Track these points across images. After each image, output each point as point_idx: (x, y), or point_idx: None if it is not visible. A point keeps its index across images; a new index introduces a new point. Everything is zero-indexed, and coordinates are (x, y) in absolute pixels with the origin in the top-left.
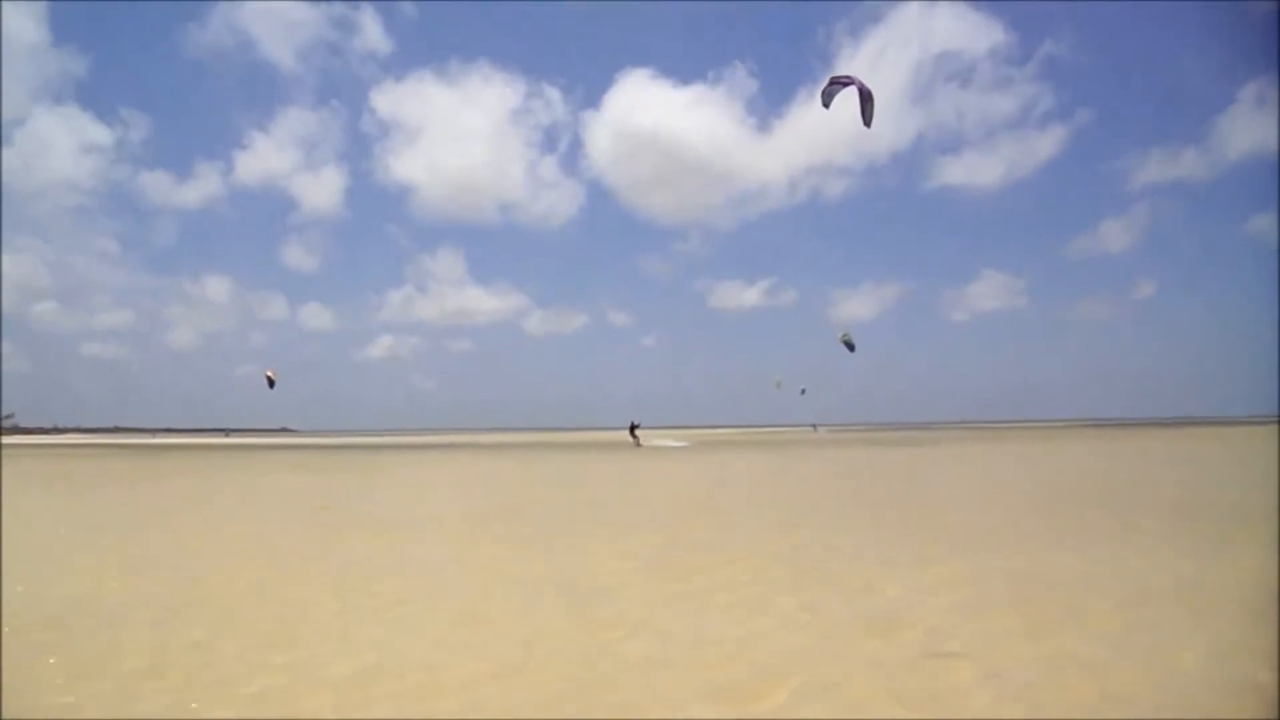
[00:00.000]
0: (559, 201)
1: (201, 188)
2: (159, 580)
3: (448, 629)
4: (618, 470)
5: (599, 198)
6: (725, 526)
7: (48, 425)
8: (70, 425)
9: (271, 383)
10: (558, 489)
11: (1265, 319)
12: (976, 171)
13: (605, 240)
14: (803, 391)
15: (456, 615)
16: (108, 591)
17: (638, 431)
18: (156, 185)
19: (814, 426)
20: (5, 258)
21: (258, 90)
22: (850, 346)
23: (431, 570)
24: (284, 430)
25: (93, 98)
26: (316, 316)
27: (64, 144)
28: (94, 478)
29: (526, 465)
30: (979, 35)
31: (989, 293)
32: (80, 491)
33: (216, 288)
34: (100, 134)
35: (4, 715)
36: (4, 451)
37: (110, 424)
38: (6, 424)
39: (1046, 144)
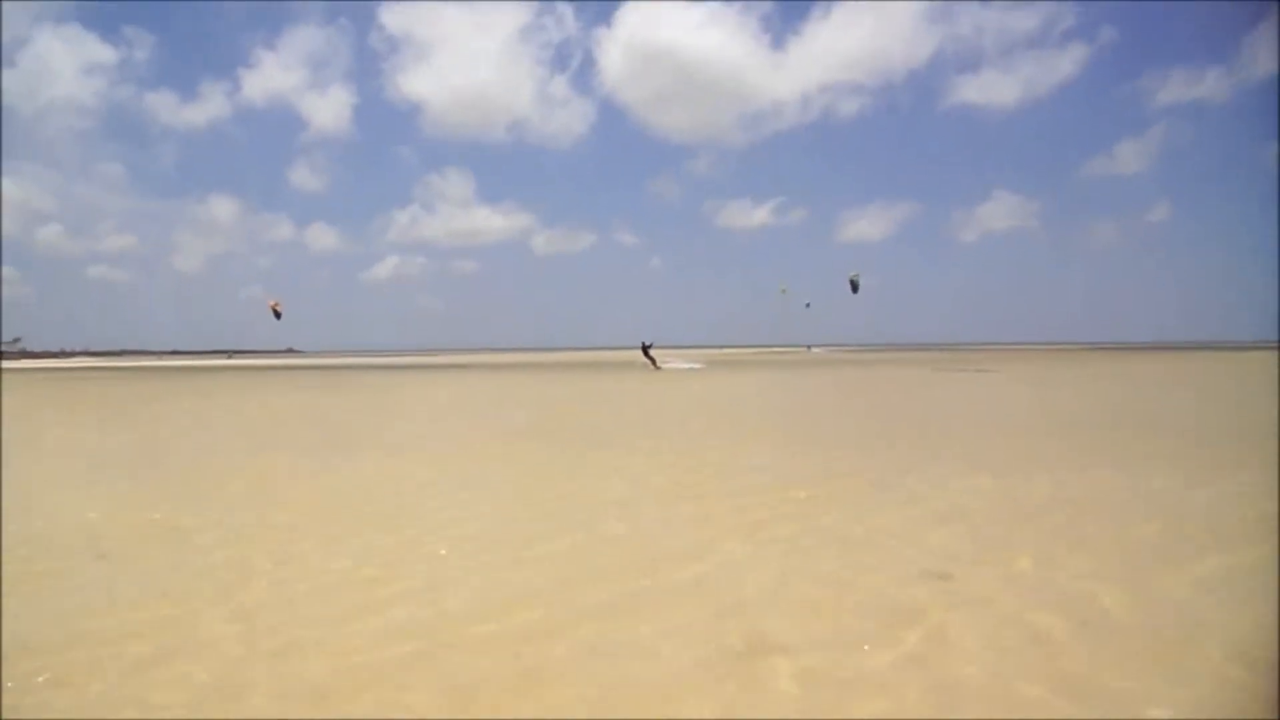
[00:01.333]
0: (570, 120)
1: (207, 108)
2: (169, 510)
3: (467, 555)
4: (637, 391)
5: (610, 116)
6: (758, 449)
7: (55, 349)
8: (78, 349)
9: (278, 314)
10: (580, 410)
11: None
12: (993, 90)
13: (615, 159)
14: (807, 305)
15: (481, 543)
16: (118, 521)
17: (652, 351)
18: (162, 106)
19: (809, 347)
20: (8, 182)
21: (265, 7)
22: (854, 287)
23: (448, 491)
24: (289, 351)
25: (95, 16)
26: (323, 237)
27: (67, 65)
28: (102, 402)
29: (543, 386)
30: None
31: (1000, 214)
32: (89, 416)
33: (222, 210)
34: (104, 54)
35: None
36: (12, 376)
37: (117, 347)
38: (14, 348)
39: (1066, 63)
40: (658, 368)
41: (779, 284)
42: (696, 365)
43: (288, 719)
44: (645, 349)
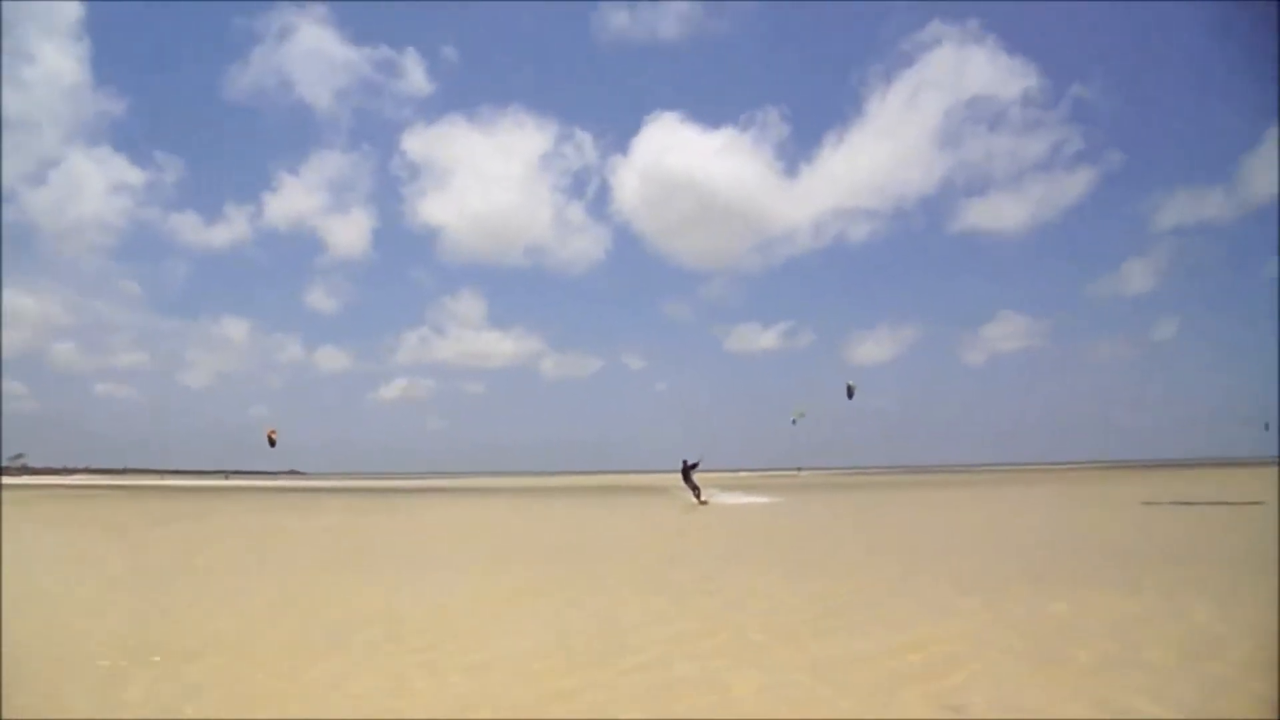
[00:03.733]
0: (586, 245)
1: (229, 230)
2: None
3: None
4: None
5: (625, 242)
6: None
7: (57, 465)
8: (80, 466)
9: (272, 442)
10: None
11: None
12: (1002, 214)
13: (628, 284)
14: (794, 421)
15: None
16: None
17: (696, 475)
18: (184, 227)
19: (798, 469)
20: (28, 298)
21: (291, 133)
22: (850, 393)
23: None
24: (292, 472)
25: (127, 139)
26: (332, 359)
27: (95, 185)
28: (99, 523)
29: (569, 512)
30: (1011, 78)
31: (1006, 334)
32: (81, 539)
33: (235, 329)
34: (132, 175)
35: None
36: (10, 493)
37: (120, 465)
38: (15, 464)
39: (1075, 185)
40: (702, 501)
41: (795, 408)
42: (762, 498)
43: None
44: (686, 471)
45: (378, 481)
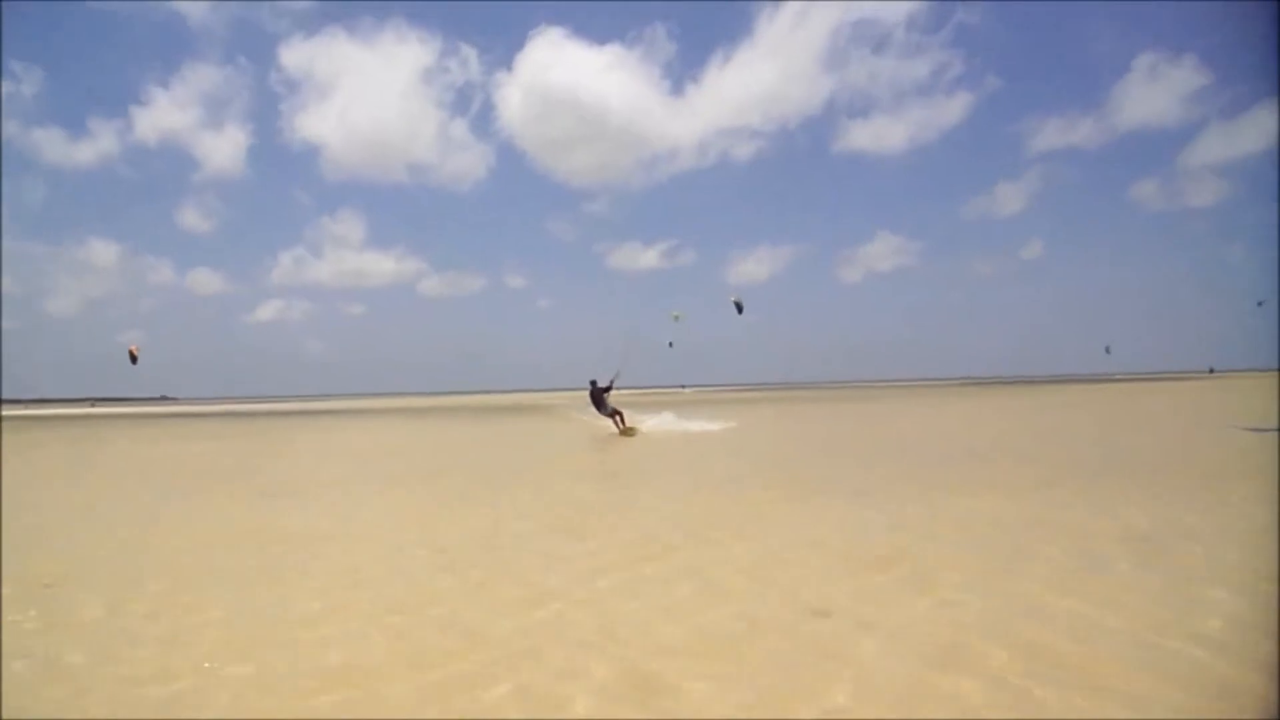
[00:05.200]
0: (469, 163)
1: (95, 146)
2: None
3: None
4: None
5: (509, 159)
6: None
7: None
8: None
9: (134, 358)
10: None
11: (1139, 280)
12: (883, 136)
13: (512, 203)
14: (670, 345)
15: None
16: None
17: (612, 395)
18: (47, 143)
19: (683, 386)
20: None
21: (162, 43)
22: (739, 308)
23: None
24: (163, 398)
25: None
26: (205, 282)
27: None
28: None
29: (470, 430)
30: (897, 1)
31: (883, 253)
32: None
33: (103, 253)
34: None
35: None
36: None
37: None
38: None
39: (954, 109)
40: (624, 427)
41: (672, 312)
42: (701, 424)
43: None
44: (597, 394)
45: (253, 405)
